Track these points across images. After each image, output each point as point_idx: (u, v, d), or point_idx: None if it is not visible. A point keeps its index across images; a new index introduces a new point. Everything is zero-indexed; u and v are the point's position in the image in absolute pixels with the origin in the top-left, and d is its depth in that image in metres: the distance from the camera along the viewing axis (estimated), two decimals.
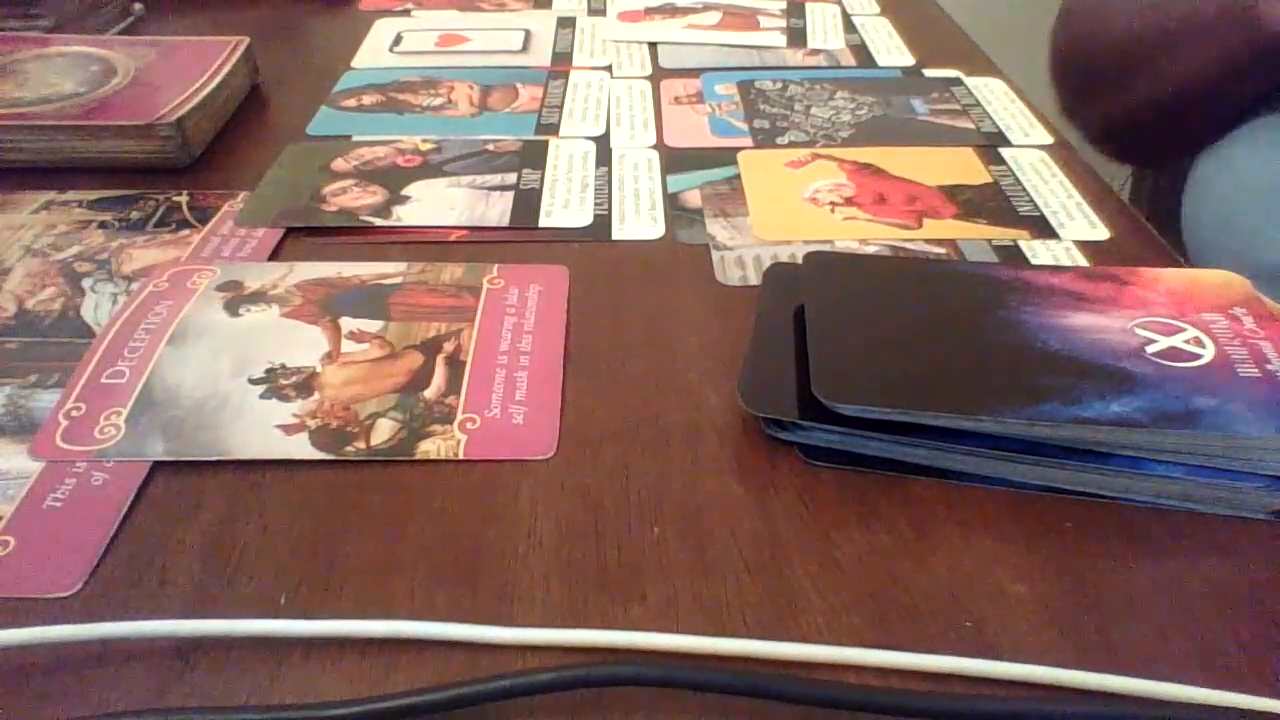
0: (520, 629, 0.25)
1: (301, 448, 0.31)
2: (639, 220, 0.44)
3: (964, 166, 0.49)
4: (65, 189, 0.46)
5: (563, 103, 0.56)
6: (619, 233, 0.44)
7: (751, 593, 0.27)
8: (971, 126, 0.53)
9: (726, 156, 0.50)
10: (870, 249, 0.42)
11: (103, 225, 0.43)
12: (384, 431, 0.32)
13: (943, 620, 0.26)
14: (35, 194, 0.46)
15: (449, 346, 0.36)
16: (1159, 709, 0.23)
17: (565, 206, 0.45)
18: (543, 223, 0.44)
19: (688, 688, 0.23)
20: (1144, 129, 0.61)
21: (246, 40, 0.57)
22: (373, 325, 0.37)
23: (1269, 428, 0.28)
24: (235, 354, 0.35)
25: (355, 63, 0.62)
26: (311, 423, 0.32)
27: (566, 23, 0.69)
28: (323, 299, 0.38)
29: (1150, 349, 0.31)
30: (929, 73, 0.60)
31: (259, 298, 0.38)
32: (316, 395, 0.33)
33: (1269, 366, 0.30)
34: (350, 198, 0.46)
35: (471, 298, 0.38)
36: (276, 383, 0.34)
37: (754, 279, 0.40)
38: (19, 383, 0.34)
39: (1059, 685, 0.24)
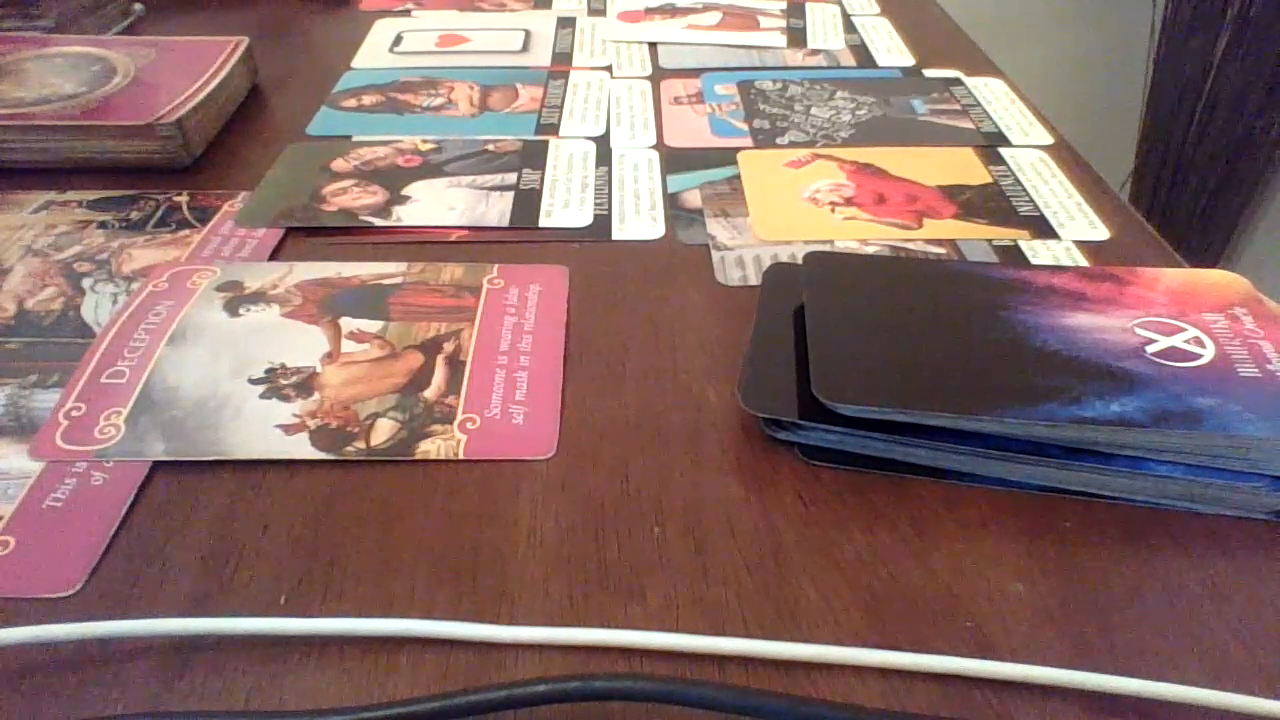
0: (520, 628, 0.25)
1: (301, 448, 0.31)
2: (639, 220, 0.44)
3: (964, 166, 0.49)
4: (65, 189, 0.46)
5: (563, 103, 0.56)
6: (619, 233, 0.44)
7: (751, 593, 0.27)
8: (971, 126, 0.53)
9: (726, 156, 0.50)
10: (870, 249, 0.42)
11: (103, 225, 0.43)
12: (384, 431, 0.32)
13: (943, 620, 0.26)
14: (35, 194, 0.46)
15: (449, 346, 0.36)
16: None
17: (565, 206, 0.45)
18: (543, 223, 0.44)
19: (688, 705, 0.23)
20: None
21: (246, 40, 0.57)
22: (373, 325, 0.37)
23: (1269, 428, 0.28)
24: (235, 354, 0.35)
25: (355, 63, 0.62)
26: (311, 423, 0.32)
27: (566, 23, 0.69)
28: (323, 299, 0.38)
29: (1150, 349, 0.31)
30: (929, 73, 0.60)
31: (259, 298, 0.38)
32: (316, 395, 0.33)
33: (1269, 366, 0.30)
34: (350, 198, 0.46)
35: (471, 298, 0.38)
36: (276, 383, 0.34)
37: (754, 279, 0.40)
38: (19, 383, 0.34)
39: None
